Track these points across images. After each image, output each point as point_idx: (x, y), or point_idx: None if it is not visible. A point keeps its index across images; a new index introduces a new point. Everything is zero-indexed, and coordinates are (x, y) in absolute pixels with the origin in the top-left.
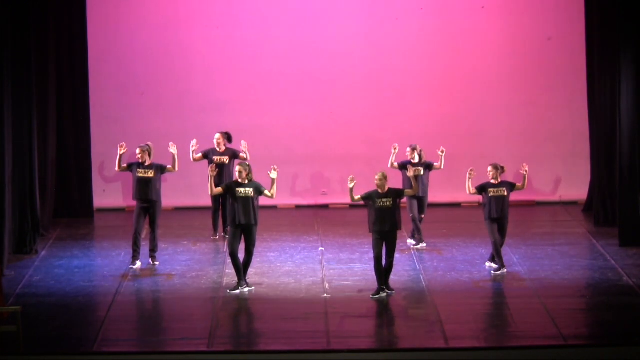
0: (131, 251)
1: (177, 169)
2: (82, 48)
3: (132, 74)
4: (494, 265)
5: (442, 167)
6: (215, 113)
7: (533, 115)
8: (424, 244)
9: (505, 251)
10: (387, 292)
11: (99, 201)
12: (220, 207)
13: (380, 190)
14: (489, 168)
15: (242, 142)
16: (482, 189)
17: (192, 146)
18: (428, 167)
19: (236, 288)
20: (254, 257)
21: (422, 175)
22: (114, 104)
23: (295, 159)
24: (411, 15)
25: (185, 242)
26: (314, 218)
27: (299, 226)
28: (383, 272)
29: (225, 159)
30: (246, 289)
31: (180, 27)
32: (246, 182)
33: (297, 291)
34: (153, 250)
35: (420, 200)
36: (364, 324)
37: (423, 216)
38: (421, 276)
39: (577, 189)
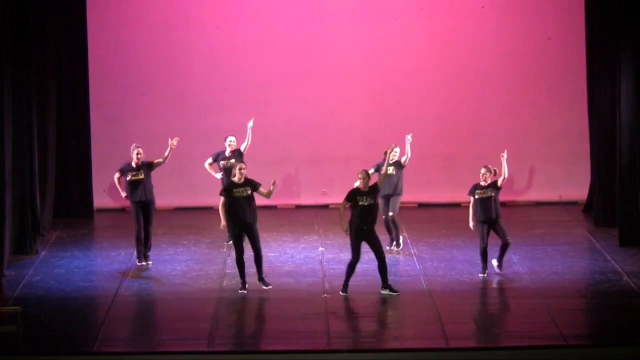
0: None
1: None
2: (82, 48)
3: (132, 74)
4: (496, 263)
5: (409, 155)
6: (215, 113)
7: (533, 115)
8: (398, 247)
9: None
10: (389, 292)
11: (99, 201)
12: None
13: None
14: (482, 170)
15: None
16: (472, 192)
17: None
18: (398, 165)
19: (243, 288)
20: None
21: (393, 175)
22: (114, 104)
23: (295, 159)
24: (411, 15)
25: (185, 242)
26: (314, 218)
27: (299, 226)
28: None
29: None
30: (264, 287)
31: (180, 28)
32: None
33: (297, 291)
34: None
35: (388, 199)
36: (364, 324)
37: (391, 214)
38: (421, 276)
39: (577, 189)
